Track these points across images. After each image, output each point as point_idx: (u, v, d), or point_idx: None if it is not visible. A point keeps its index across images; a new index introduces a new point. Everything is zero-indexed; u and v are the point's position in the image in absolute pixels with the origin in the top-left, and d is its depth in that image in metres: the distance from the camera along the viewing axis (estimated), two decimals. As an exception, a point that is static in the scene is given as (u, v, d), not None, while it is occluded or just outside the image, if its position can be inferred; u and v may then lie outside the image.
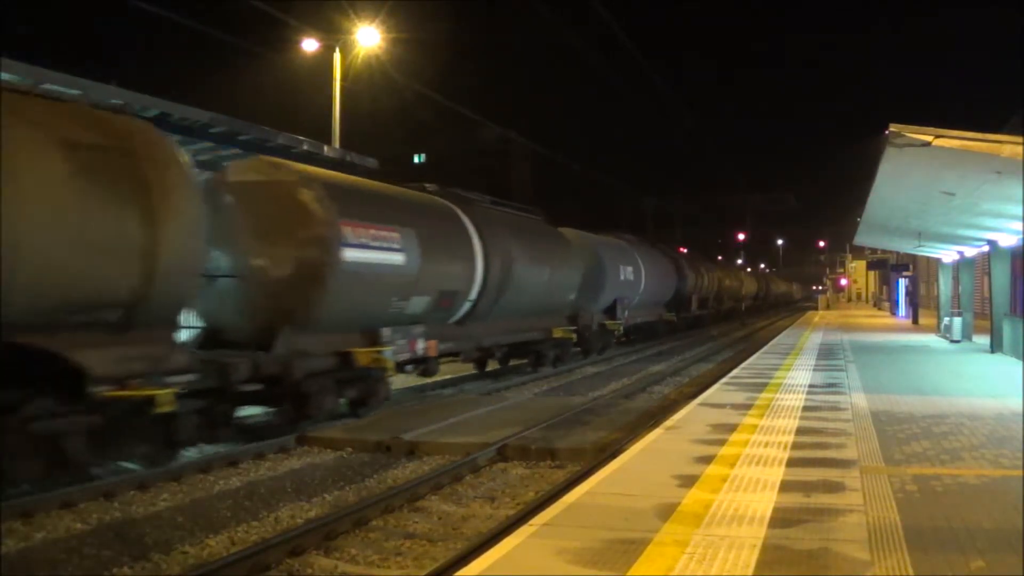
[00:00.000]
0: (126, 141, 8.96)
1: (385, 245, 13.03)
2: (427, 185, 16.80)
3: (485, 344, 17.72)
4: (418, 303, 14.20)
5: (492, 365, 21.05)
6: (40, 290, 7.97)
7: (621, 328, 26.82)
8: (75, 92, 11.10)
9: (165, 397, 8.85)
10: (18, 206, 7.65)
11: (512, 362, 21.26)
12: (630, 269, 27.41)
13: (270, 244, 11.66)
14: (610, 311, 25.70)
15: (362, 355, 12.70)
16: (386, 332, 13.28)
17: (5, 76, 9.96)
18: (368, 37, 25.10)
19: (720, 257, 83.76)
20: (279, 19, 21.82)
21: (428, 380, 16.74)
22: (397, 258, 13.31)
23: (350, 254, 12.13)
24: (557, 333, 21.02)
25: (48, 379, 8.28)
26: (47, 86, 10.69)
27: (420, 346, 14.31)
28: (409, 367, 14.63)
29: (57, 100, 9.01)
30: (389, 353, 13.13)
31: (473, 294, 16.16)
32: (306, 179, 12.13)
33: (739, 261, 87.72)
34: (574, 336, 22.29)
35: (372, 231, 12.76)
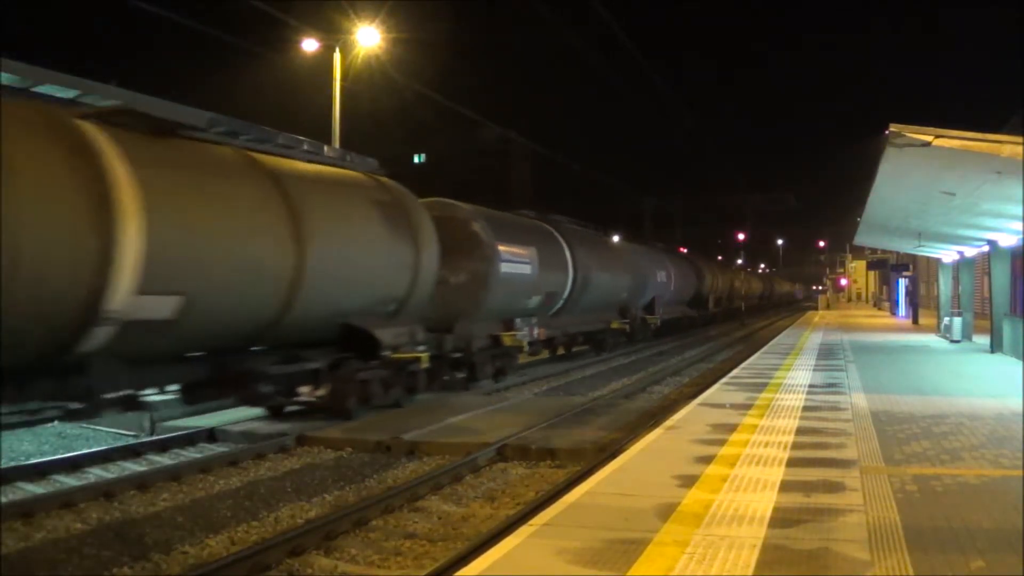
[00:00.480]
0: (400, 199, 14.15)
1: (521, 260, 18.45)
2: (527, 212, 22.37)
3: (570, 331, 22.98)
4: (535, 301, 19.61)
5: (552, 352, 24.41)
6: (368, 292, 12.98)
7: (658, 321, 31.91)
8: (74, 92, 11.11)
9: (425, 358, 14.33)
10: (366, 245, 12.86)
11: (575, 348, 25.93)
12: (663, 273, 32.89)
13: (452, 260, 15.80)
14: (649, 307, 30.89)
15: (506, 337, 18.08)
16: (518, 321, 18.56)
17: (5, 76, 9.94)
18: (368, 37, 25.05)
19: (720, 257, 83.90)
20: (279, 19, 21.82)
21: None
22: (527, 269, 18.71)
23: (503, 267, 17.38)
24: (614, 324, 26.65)
25: (358, 346, 12.93)
26: (44, 87, 10.70)
27: (535, 332, 19.56)
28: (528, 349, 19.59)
29: (363, 175, 13.99)
30: (521, 336, 18.47)
31: (565, 294, 21.33)
32: (474, 214, 17.45)
33: (739, 261, 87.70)
34: (627, 327, 27.85)
35: (514, 250, 18.09)
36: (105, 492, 8.81)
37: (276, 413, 13.30)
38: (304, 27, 24.97)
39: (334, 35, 24.69)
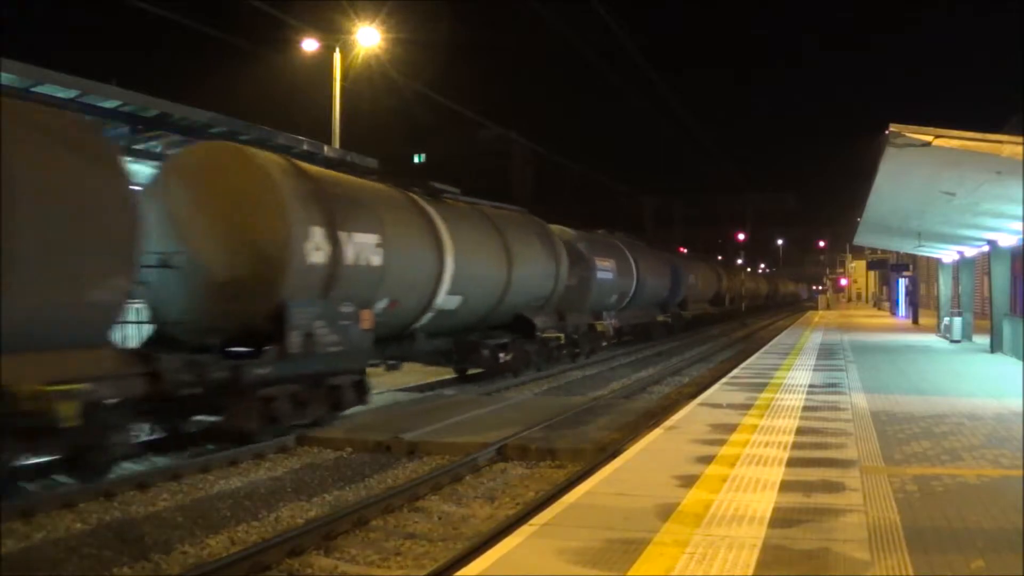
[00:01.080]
0: (545, 229, 21.28)
1: (607, 269, 25.78)
2: (601, 231, 29.44)
3: (631, 323, 29.88)
4: (613, 299, 27.13)
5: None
6: (532, 292, 19.38)
7: (690, 316, 39.13)
8: (75, 92, 11.10)
9: (562, 337, 21.08)
10: (534, 262, 19.39)
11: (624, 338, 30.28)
12: (691, 276, 39.79)
13: (568, 270, 21.63)
14: (682, 304, 38.08)
15: (599, 325, 24.90)
16: (604, 313, 25.91)
17: (5, 76, 9.94)
18: (368, 37, 25.07)
19: (720, 257, 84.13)
20: (279, 19, 21.83)
21: (429, 380, 17.96)
22: (610, 276, 26.06)
23: (598, 274, 24.71)
24: (659, 319, 34.06)
25: (521, 328, 19.31)
26: (44, 87, 10.69)
27: (613, 322, 26.52)
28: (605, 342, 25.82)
29: (522, 213, 21.25)
30: (608, 325, 25.52)
31: (630, 294, 28.77)
32: (579, 237, 24.85)
33: (739, 261, 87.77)
34: (668, 320, 34.94)
35: (603, 262, 25.42)
36: (105, 492, 8.80)
37: (461, 376, 19.20)
38: (304, 27, 25.01)
39: (334, 35, 24.71)
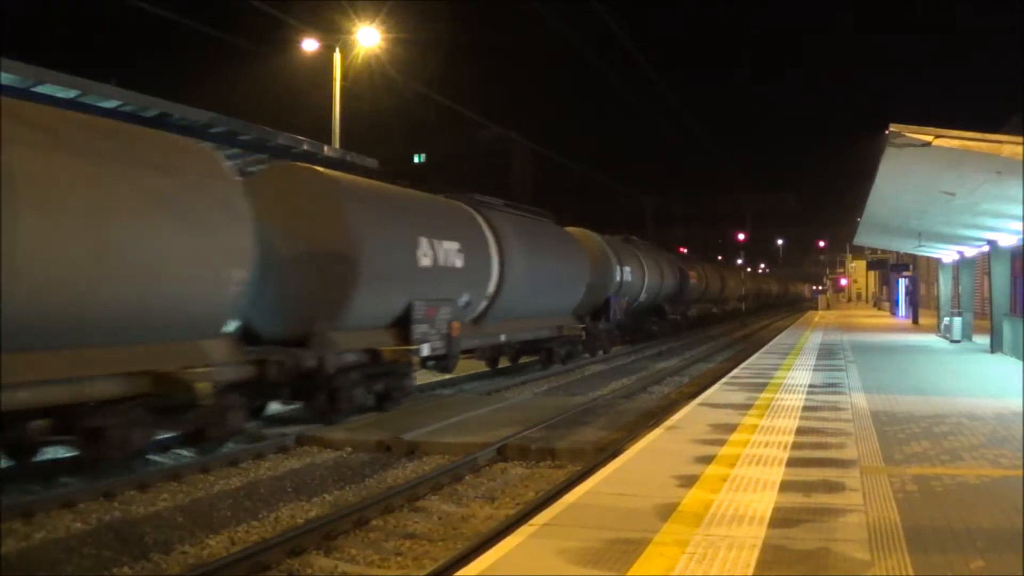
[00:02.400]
0: (581, 242, 24.27)
1: (630, 271, 29.37)
2: (630, 236, 34.33)
3: (645, 319, 33.94)
4: (637, 295, 31.10)
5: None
6: (584, 302, 23.70)
7: (695, 314, 43.03)
8: (75, 92, 11.11)
9: (583, 333, 23.37)
10: (576, 270, 22.55)
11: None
12: (698, 277, 42.86)
13: (595, 270, 24.55)
14: (688, 303, 40.89)
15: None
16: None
17: (5, 76, 9.95)
18: (368, 37, 25.07)
19: (720, 257, 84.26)
20: (279, 19, 21.83)
21: (429, 380, 17.61)
22: (636, 278, 30.25)
23: (624, 275, 28.50)
24: (670, 317, 36.82)
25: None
26: (44, 87, 10.70)
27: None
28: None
29: (559, 227, 24.23)
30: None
31: (648, 292, 32.25)
32: (605, 242, 27.81)
33: (739, 261, 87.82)
34: (678, 318, 38.32)
35: (626, 268, 28.88)
36: (105, 492, 8.80)
37: (491, 365, 21.27)
38: (304, 27, 25.00)
39: (334, 35, 24.71)
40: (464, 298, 15.74)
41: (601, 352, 26.02)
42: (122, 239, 8.74)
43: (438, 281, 14.65)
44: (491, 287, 17.13)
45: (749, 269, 74.54)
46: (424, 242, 14.17)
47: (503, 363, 21.74)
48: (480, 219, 17.39)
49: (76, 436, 8.96)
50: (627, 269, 29.12)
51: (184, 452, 11.24)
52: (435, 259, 14.46)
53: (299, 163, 13.95)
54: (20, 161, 7.77)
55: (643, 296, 31.54)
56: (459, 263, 15.36)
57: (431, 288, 14.38)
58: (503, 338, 18.48)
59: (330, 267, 12.20)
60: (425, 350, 14.14)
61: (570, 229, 25.24)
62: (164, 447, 11.29)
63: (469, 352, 17.77)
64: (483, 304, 17.02)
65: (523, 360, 22.35)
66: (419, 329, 13.85)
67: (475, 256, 16.10)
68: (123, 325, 8.90)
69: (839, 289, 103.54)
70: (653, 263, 33.37)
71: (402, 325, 13.69)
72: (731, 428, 9.35)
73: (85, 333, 8.52)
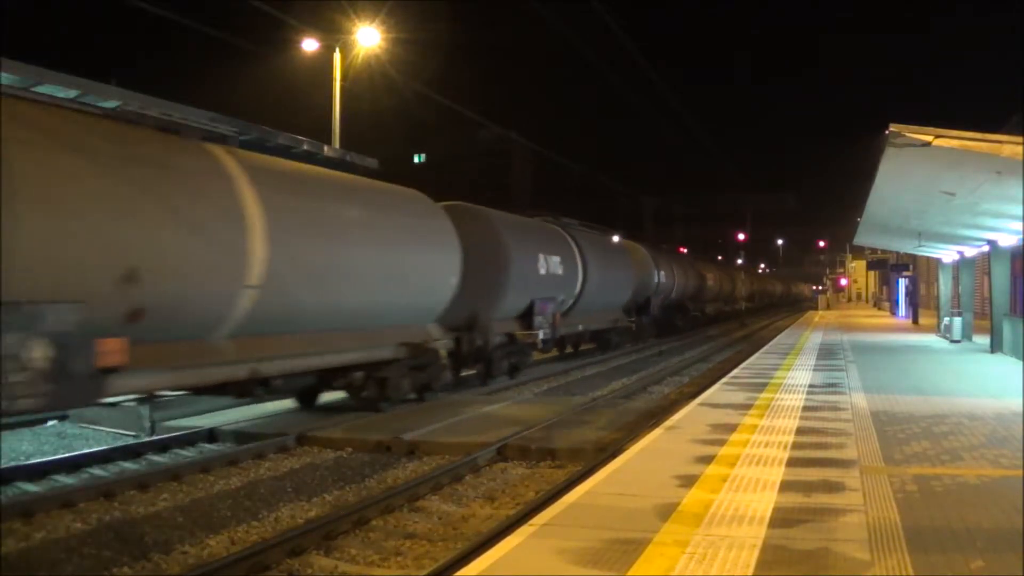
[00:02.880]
0: (630, 248, 30.79)
1: (664, 274, 33.43)
2: (660, 245, 41.22)
3: (666, 315, 36.82)
4: (669, 294, 35.27)
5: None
6: (631, 300, 29.05)
7: (712, 312, 47.45)
8: (75, 92, 11.09)
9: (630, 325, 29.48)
10: (628, 275, 28.02)
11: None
12: (710, 278, 46.51)
13: (636, 273, 28.59)
14: (703, 302, 44.36)
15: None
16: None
17: (5, 76, 9.93)
18: (368, 37, 25.06)
19: (720, 257, 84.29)
20: (279, 19, 21.82)
21: None
22: (668, 279, 34.24)
23: (660, 277, 33.06)
24: (692, 313, 40.97)
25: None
26: (44, 87, 10.67)
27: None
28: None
29: (601, 234, 28.84)
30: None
31: (674, 292, 36.34)
32: (648, 248, 33.08)
33: (739, 261, 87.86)
34: (698, 315, 42.32)
35: (661, 271, 33.26)
36: (105, 492, 8.80)
37: (560, 350, 25.21)
38: (304, 27, 24.99)
39: (334, 35, 24.69)
40: (561, 297, 20.62)
41: (648, 340, 31.79)
42: (406, 262, 13.70)
43: (547, 285, 19.68)
44: (577, 288, 22.20)
45: (750, 270, 75.03)
46: (541, 257, 19.47)
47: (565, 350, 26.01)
48: (568, 237, 22.74)
49: (373, 384, 13.41)
50: (662, 272, 33.93)
51: (184, 452, 11.26)
52: (547, 269, 19.66)
53: (470, 204, 18.30)
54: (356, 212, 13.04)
55: (673, 295, 36.58)
56: (560, 271, 20.52)
57: (543, 290, 19.44)
58: (580, 328, 23.65)
59: (492, 275, 17.05)
60: (541, 335, 19.20)
61: (618, 240, 30.73)
62: (163, 447, 11.31)
63: (560, 338, 22.41)
64: (570, 302, 22.01)
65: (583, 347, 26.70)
66: (538, 320, 18.95)
67: (568, 266, 21.31)
68: (397, 314, 13.68)
69: (839, 289, 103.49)
70: (679, 267, 38.64)
71: (525, 317, 18.80)
72: (731, 428, 9.35)
73: (378, 318, 13.25)
